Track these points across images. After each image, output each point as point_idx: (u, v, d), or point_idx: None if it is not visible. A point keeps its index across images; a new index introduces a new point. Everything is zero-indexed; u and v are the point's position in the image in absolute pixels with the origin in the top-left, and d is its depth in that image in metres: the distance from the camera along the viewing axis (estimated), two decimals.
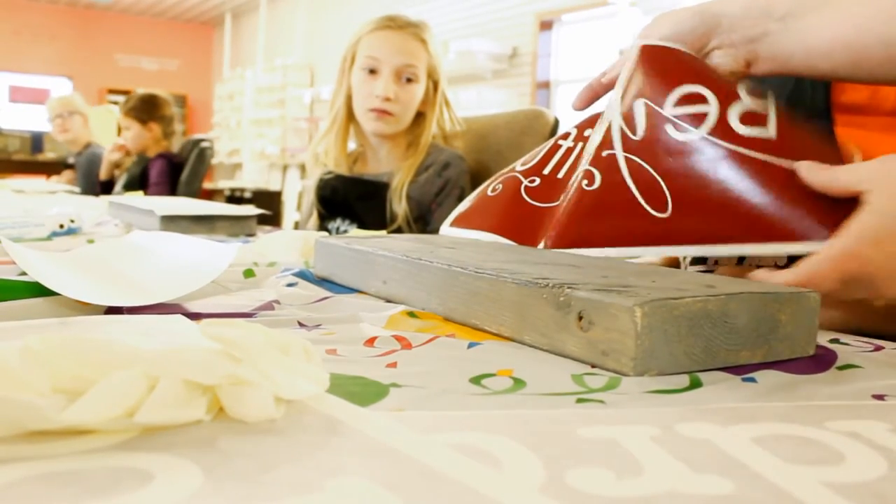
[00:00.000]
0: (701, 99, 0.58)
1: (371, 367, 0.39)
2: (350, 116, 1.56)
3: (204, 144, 3.20)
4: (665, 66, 0.62)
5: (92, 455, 0.25)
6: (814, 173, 0.54)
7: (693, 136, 0.57)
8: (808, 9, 0.60)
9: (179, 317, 0.48)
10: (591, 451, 0.28)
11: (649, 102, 0.60)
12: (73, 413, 0.26)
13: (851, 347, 0.49)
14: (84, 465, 0.24)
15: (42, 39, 8.51)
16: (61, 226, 1.07)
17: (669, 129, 0.58)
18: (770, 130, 0.56)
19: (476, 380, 0.38)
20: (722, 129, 0.57)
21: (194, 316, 0.50)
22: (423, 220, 1.51)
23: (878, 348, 0.49)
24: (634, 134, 0.60)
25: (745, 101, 0.58)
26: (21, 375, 0.26)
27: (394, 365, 0.40)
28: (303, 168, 6.56)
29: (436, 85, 1.54)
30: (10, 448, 0.25)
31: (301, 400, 0.31)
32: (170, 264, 0.67)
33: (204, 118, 8.97)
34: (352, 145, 1.62)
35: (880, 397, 0.37)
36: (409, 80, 1.50)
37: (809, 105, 0.68)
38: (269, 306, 0.56)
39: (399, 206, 1.46)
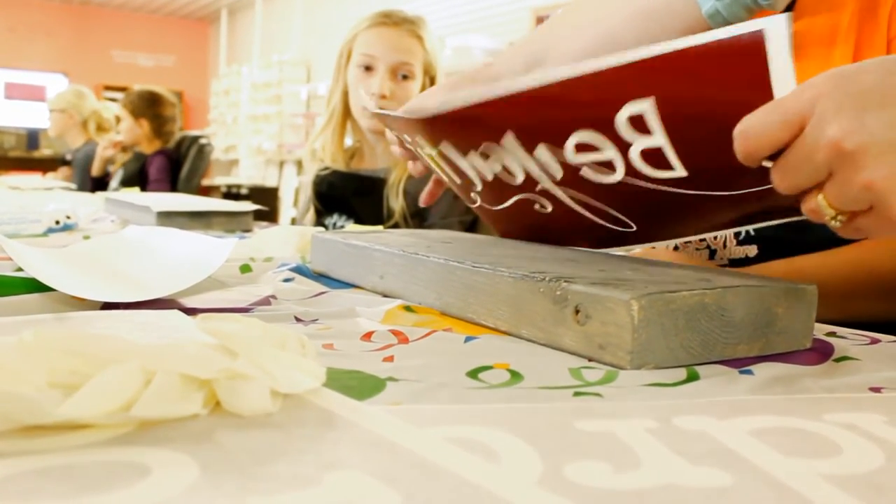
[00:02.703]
0: (593, 148, 0.50)
1: (368, 362, 0.39)
2: (347, 113, 1.56)
3: (203, 141, 3.20)
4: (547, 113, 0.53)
5: (88, 449, 0.25)
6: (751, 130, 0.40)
7: (614, 179, 0.51)
8: (542, 61, 0.70)
9: (176, 312, 0.48)
10: (589, 444, 0.28)
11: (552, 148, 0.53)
12: (70, 408, 0.25)
13: (848, 340, 0.49)
14: (80, 460, 0.24)
15: (38, 36, 8.48)
16: (57, 222, 1.07)
17: (587, 172, 0.52)
18: (679, 170, 0.47)
19: (473, 373, 0.38)
20: (634, 173, 0.49)
21: (191, 311, 0.50)
22: (420, 215, 1.50)
23: (875, 341, 0.49)
24: (556, 175, 0.54)
25: (638, 142, 0.47)
26: (17, 370, 0.26)
27: (391, 359, 0.40)
28: (299, 164, 6.55)
29: (433, 81, 1.54)
30: (6, 442, 0.25)
31: (298, 394, 0.31)
32: (166, 260, 0.67)
33: (200, 114, 8.94)
34: (349, 141, 1.62)
35: (877, 389, 0.37)
36: (405, 78, 1.49)
37: None
38: (265, 301, 0.56)
39: (396, 201, 1.46)
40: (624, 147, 0.48)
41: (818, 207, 0.40)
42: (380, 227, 1.10)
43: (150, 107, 3.08)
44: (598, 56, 0.59)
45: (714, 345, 0.41)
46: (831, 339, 0.48)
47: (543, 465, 0.26)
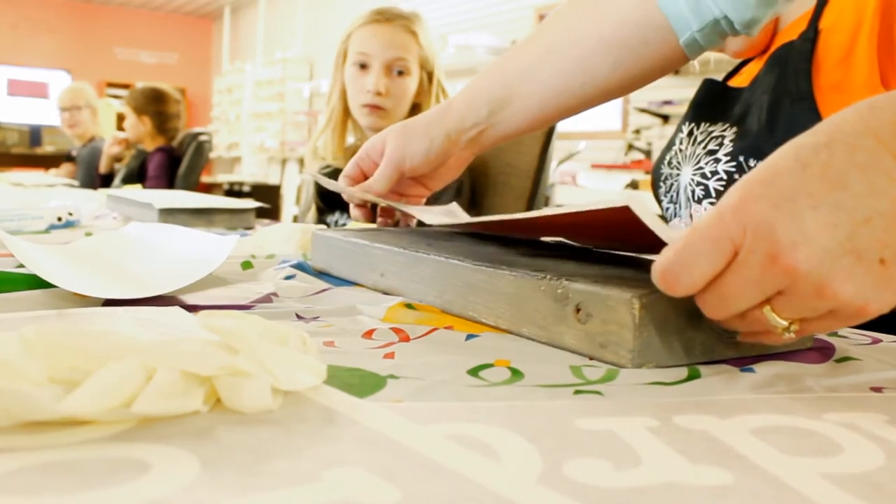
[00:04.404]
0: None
1: (369, 359, 0.39)
2: (346, 111, 1.56)
3: (202, 138, 3.20)
4: None
5: (89, 445, 0.25)
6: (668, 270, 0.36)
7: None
8: (508, 100, 0.70)
9: (177, 309, 0.48)
10: (589, 442, 0.28)
11: None
12: (71, 403, 0.26)
13: (849, 340, 0.49)
14: (81, 456, 0.24)
15: (40, 33, 8.48)
16: (59, 219, 1.07)
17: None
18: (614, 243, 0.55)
19: (474, 371, 0.38)
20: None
21: (192, 308, 0.50)
22: None
23: (876, 341, 0.49)
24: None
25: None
26: (19, 366, 0.26)
27: (392, 356, 0.40)
28: (302, 162, 6.54)
29: (430, 76, 1.54)
30: (7, 438, 0.25)
31: (299, 391, 0.31)
32: (168, 257, 0.67)
33: (203, 112, 8.95)
34: (350, 139, 1.62)
35: (878, 389, 0.37)
36: (400, 73, 1.49)
37: (794, 92, 0.71)
38: (267, 298, 0.56)
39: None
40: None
41: (764, 321, 0.36)
42: None
43: (152, 104, 3.08)
44: (571, 90, 0.69)
45: (715, 344, 0.41)
46: (833, 339, 0.48)
47: (544, 462, 0.26)
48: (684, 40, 0.63)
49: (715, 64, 1.21)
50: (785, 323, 0.35)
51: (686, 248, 0.35)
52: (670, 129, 4.17)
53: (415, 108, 1.56)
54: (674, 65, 0.67)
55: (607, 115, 4.38)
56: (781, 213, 0.33)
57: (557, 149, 1.55)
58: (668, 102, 4.08)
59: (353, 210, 0.78)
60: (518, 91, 0.69)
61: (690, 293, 0.36)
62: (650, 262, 0.36)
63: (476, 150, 0.74)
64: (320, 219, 1.57)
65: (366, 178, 0.75)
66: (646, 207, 0.38)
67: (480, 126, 0.71)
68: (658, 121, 4.24)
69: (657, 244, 0.38)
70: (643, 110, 4.20)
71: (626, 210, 0.38)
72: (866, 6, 0.70)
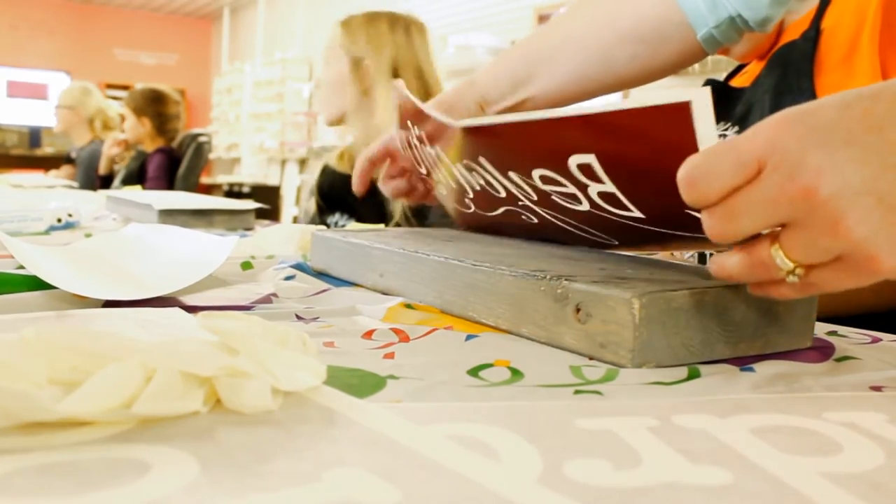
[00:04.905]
0: (557, 182, 0.50)
1: (369, 360, 0.39)
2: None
3: (202, 139, 3.20)
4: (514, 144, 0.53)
5: (89, 446, 0.25)
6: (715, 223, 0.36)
7: (581, 209, 0.51)
8: (530, 80, 0.73)
9: (177, 310, 0.48)
10: (589, 442, 0.28)
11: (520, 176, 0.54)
12: (70, 404, 0.26)
13: (849, 339, 0.49)
14: (81, 456, 0.24)
15: (40, 34, 8.48)
16: (59, 220, 1.07)
17: (558, 199, 0.52)
18: (636, 212, 0.47)
19: (474, 371, 0.38)
20: (598, 207, 0.49)
21: (192, 309, 0.50)
22: (421, 214, 1.50)
23: (876, 340, 0.49)
24: (532, 196, 0.55)
25: (593, 186, 0.47)
26: (18, 367, 0.26)
27: (391, 357, 0.40)
28: (301, 162, 6.55)
29: (357, 64, 1.53)
30: (7, 439, 0.25)
31: (299, 392, 0.31)
32: (167, 258, 0.67)
33: (202, 112, 8.95)
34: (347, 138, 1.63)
35: (878, 388, 0.37)
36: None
37: (796, 91, 0.71)
38: (266, 299, 0.56)
39: (397, 201, 1.46)
40: (582, 186, 0.48)
41: (769, 260, 0.35)
42: (381, 226, 1.10)
43: (152, 105, 3.08)
44: (590, 76, 0.68)
45: (715, 343, 0.41)
46: (832, 338, 0.48)
47: (543, 462, 0.26)
48: (702, 36, 0.64)
49: (714, 64, 1.21)
50: (791, 265, 0.34)
51: (712, 155, 0.35)
52: None
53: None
54: (692, 59, 0.68)
55: None
56: (815, 139, 0.33)
57: None
58: None
59: (385, 184, 0.80)
60: (539, 71, 0.72)
61: (705, 203, 0.35)
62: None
63: None
64: (321, 219, 1.57)
65: (393, 159, 0.79)
66: (708, 109, 0.36)
67: (506, 101, 0.74)
68: None
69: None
70: None
71: (683, 110, 0.35)
72: (868, 6, 0.70)
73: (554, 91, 0.72)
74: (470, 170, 0.59)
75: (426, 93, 1.51)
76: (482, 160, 0.55)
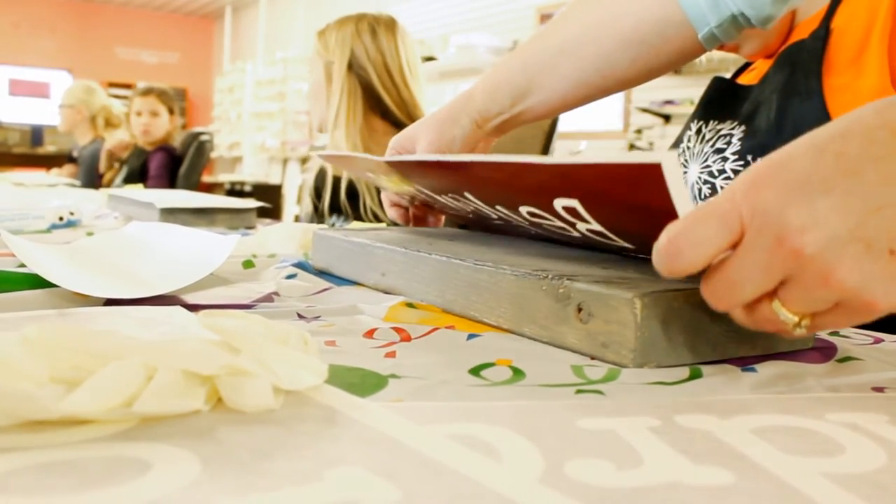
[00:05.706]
0: (544, 217, 0.50)
1: (370, 359, 0.39)
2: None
3: (203, 138, 3.20)
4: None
5: (90, 445, 0.25)
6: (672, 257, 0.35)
7: (576, 234, 0.51)
8: (530, 91, 0.72)
9: (178, 308, 0.48)
10: (591, 442, 0.28)
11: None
12: (72, 403, 0.25)
13: (851, 340, 0.48)
14: (82, 455, 0.24)
15: (42, 32, 8.49)
16: (61, 218, 1.07)
17: (551, 227, 0.52)
18: (627, 245, 0.48)
19: (475, 371, 0.38)
20: (591, 239, 0.50)
21: (193, 307, 0.50)
22: None
23: (878, 340, 0.49)
24: (523, 223, 0.56)
25: (580, 224, 0.48)
26: (20, 365, 0.26)
27: (393, 356, 0.40)
28: (303, 161, 6.55)
29: (329, 70, 1.55)
30: (8, 438, 0.25)
31: (300, 391, 0.31)
32: (169, 256, 0.67)
33: (204, 111, 8.96)
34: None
35: (880, 389, 0.37)
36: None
37: (804, 91, 0.71)
38: (268, 298, 0.56)
39: None
40: (570, 223, 0.48)
41: (773, 315, 0.35)
42: (383, 225, 1.10)
43: (175, 102, 3.14)
44: (591, 82, 0.68)
45: (716, 343, 0.41)
46: (834, 339, 0.48)
47: (545, 462, 0.26)
48: (703, 35, 0.65)
49: (719, 62, 1.21)
50: (795, 318, 0.35)
51: (693, 222, 0.34)
52: (671, 128, 4.17)
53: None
54: (691, 56, 0.69)
55: (608, 115, 4.37)
56: (792, 195, 0.33)
57: (558, 148, 1.54)
58: (669, 102, 4.07)
59: (389, 210, 0.79)
60: (540, 82, 0.72)
61: (692, 271, 0.35)
62: (651, 261, 0.36)
63: (498, 135, 0.77)
64: (320, 221, 1.58)
65: None
66: (678, 171, 0.35)
67: (504, 115, 0.73)
68: (659, 120, 4.24)
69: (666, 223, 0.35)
70: (644, 110, 4.20)
71: (654, 170, 0.35)
72: (879, 7, 0.70)
73: (556, 100, 0.72)
74: (456, 200, 0.60)
75: (396, 90, 1.53)
76: (468, 195, 0.57)
